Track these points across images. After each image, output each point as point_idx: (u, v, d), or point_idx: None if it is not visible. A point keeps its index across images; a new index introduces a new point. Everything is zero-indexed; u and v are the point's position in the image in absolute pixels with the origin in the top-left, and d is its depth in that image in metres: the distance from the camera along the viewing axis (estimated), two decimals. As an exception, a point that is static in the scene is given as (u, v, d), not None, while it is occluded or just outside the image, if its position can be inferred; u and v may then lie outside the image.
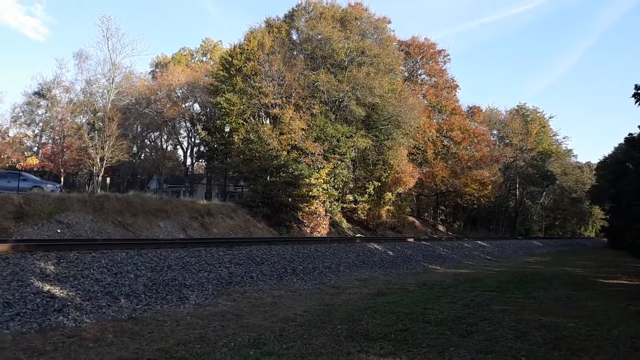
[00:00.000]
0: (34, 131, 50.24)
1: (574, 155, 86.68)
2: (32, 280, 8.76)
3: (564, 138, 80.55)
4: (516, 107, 72.06)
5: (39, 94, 47.61)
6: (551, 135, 74.81)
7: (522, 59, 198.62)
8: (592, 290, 14.75)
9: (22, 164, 37.38)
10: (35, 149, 47.24)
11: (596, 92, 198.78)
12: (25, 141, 47.79)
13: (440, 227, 55.70)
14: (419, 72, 53.02)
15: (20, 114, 49.58)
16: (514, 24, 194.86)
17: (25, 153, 42.30)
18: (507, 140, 65.78)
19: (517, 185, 69.63)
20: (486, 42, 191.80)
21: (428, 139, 47.13)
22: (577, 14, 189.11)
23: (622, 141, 48.10)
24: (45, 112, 47.91)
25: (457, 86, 54.89)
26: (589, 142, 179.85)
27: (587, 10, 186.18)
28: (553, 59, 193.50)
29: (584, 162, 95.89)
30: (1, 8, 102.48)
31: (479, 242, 37.08)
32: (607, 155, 67.48)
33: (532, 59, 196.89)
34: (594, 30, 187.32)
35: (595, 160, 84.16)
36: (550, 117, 74.39)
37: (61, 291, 8.76)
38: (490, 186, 51.73)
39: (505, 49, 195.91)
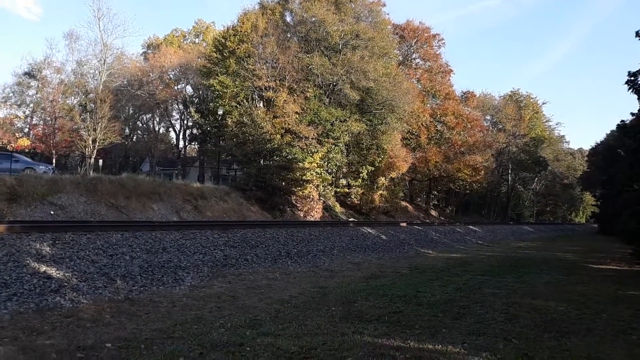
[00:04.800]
0: (24, 112, 49.84)
1: (566, 142, 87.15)
2: (28, 261, 8.78)
3: (556, 124, 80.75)
4: (510, 93, 72.06)
5: (29, 74, 47.06)
6: (544, 121, 74.99)
7: (519, 44, 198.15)
8: (581, 275, 15.00)
9: (13, 145, 37.14)
10: (26, 130, 46.84)
11: (589, 78, 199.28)
12: (16, 122, 47.38)
13: (433, 212, 56.05)
14: (413, 57, 52.85)
15: (11, 94, 49.07)
16: (511, 10, 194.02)
17: (16, 134, 41.98)
18: (500, 126, 65.95)
19: (510, 171, 70.01)
20: (482, 28, 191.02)
21: (422, 124, 47.13)
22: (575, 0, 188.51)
23: (614, 128, 48.46)
24: (36, 93, 47.43)
25: (451, 71, 54.83)
26: (581, 129, 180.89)
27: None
28: (549, 45, 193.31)
29: (576, 149, 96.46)
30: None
31: (471, 227, 37.38)
32: (599, 142, 67.98)
33: (529, 45, 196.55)
34: (590, 17, 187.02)
35: (587, 146, 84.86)
36: (544, 103, 74.66)
37: (57, 272, 8.80)
38: (482, 172, 52.01)
39: (502, 34, 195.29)
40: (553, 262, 19.29)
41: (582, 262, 20.24)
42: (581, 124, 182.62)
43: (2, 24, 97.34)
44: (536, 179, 76.99)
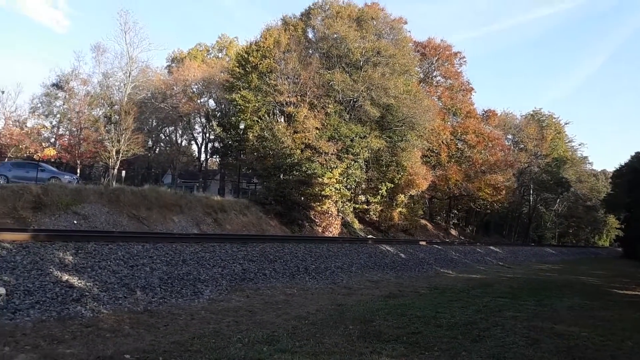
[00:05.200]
0: (51, 122, 50.97)
1: (589, 163, 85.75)
2: (51, 270, 8.93)
3: (579, 145, 79.58)
4: (531, 112, 71.36)
5: (57, 85, 48.21)
6: (567, 141, 74.00)
7: (542, 64, 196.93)
8: (606, 300, 14.64)
9: (39, 154, 37.92)
10: (53, 140, 47.86)
11: (614, 100, 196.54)
12: (43, 132, 48.48)
13: (453, 231, 55.46)
14: (434, 74, 52.83)
15: (39, 105, 50.30)
16: (535, 29, 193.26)
17: (43, 144, 42.90)
18: (522, 146, 65.16)
19: (531, 191, 69.03)
20: (505, 47, 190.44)
21: (442, 142, 46.92)
22: (601, 20, 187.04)
23: (639, 149, 47.62)
24: (63, 104, 48.53)
25: (472, 89, 54.65)
26: (605, 150, 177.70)
27: (611, 17, 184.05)
28: (573, 65, 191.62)
29: (599, 170, 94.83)
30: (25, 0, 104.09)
31: (491, 247, 36.87)
32: (623, 164, 66.59)
33: (552, 65, 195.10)
34: (616, 37, 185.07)
35: (611, 168, 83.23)
36: (566, 124, 73.62)
37: (79, 281, 8.92)
38: (503, 191, 51.42)
39: (524, 54, 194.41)
40: (576, 286, 18.87)
41: (606, 286, 19.77)
42: (605, 145, 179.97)
43: (32, 36, 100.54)
44: (558, 200, 75.77)
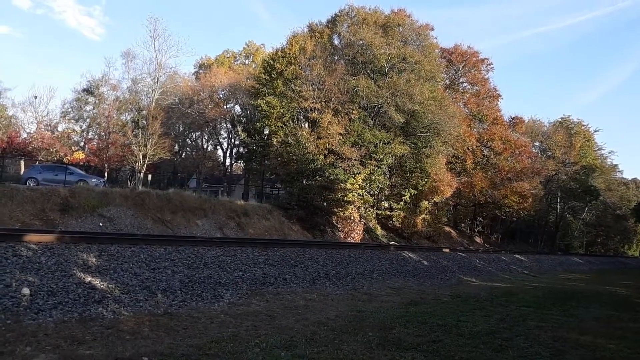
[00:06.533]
0: (81, 127, 52.15)
1: (619, 171, 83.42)
2: (75, 271, 9.07)
3: (609, 153, 77.26)
4: (560, 120, 70.08)
5: (87, 90, 49.32)
6: (596, 149, 72.29)
7: (572, 71, 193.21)
8: (634, 312, 14.19)
9: (69, 158, 38.75)
10: (82, 144, 48.90)
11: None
12: (73, 136, 49.54)
13: (477, 239, 54.70)
14: (460, 80, 52.33)
15: (69, 109, 51.53)
16: (565, 36, 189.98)
17: (73, 147, 43.83)
18: (550, 153, 63.94)
19: (559, 199, 67.62)
20: (533, 54, 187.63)
21: (468, 148, 46.37)
22: (633, 26, 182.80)
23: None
24: (93, 109, 49.61)
25: (499, 96, 53.91)
26: (636, 158, 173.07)
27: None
28: (603, 71, 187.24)
29: (630, 179, 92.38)
30: (62, 8, 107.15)
31: (516, 255, 36.20)
32: (655, 172, 64.86)
33: (582, 72, 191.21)
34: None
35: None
36: (596, 131, 71.85)
37: (101, 283, 9.05)
38: (530, 199, 50.46)
39: (553, 61, 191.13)
40: (603, 297, 18.35)
41: (635, 297, 19.19)
42: (636, 153, 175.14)
43: (68, 43, 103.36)
44: (586, 208, 73.99)
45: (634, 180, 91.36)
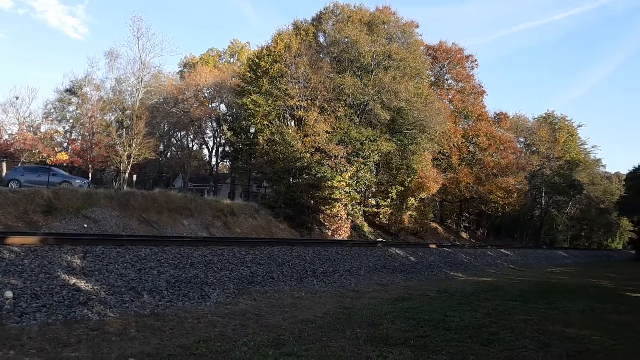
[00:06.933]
0: (64, 127, 51.49)
1: (602, 165, 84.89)
2: (59, 273, 8.96)
3: (592, 147, 78.47)
4: (544, 115, 70.88)
5: (70, 91, 48.75)
6: (579, 144, 73.37)
7: (557, 67, 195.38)
8: (618, 303, 14.39)
9: (52, 159, 38.24)
10: (65, 144, 48.29)
11: (628, 102, 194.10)
12: (56, 137, 48.82)
13: (463, 234, 55.11)
14: (445, 77, 52.72)
15: (52, 110, 50.90)
16: (550, 32, 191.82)
17: (56, 148, 43.22)
18: (534, 148, 64.69)
19: (543, 194, 68.42)
20: (518, 51, 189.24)
21: (453, 145, 46.71)
22: (616, 23, 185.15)
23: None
24: (76, 109, 49.04)
25: (484, 92, 54.44)
26: (618, 152, 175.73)
27: (627, 19, 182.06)
28: (587, 67, 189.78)
29: (612, 173, 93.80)
30: (44, 8, 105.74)
31: (502, 250, 36.53)
32: (637, 166, 65.96)
33: (567, 67, 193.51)
34: (630, 40, 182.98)
35: (624, 170, 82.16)
36: (579, 126, 72.96)
37: (86, 285, 8.95)
38: (515, 194, 50.99)
39: (538, 57, 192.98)
40: (588, 289, 18.59)
41: (619, 289, 19.46)
42: (618, 148, 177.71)
43: (50, 43, 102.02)
44: (570, 202, 74.97)
45: (617, 174, 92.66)
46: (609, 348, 7.86)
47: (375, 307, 10.83)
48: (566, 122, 70.74)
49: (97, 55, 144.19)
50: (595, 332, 9.14)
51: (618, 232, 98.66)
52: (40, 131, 45.92)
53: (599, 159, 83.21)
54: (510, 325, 9.33)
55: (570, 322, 10.22)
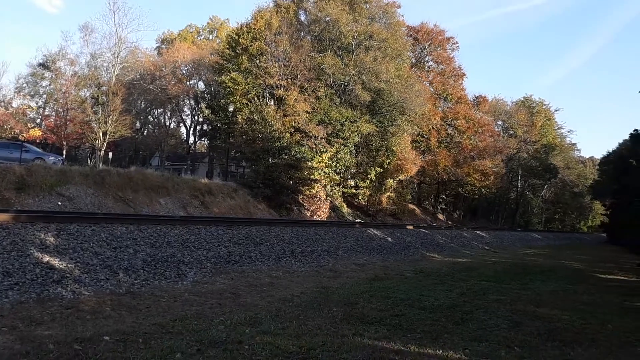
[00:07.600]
0: (37, 103, 50.21)
1: (577, 150, 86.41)
2: (32, 251, 8.80)
3: (568, 132, 79.80)
4: (522, 99, 71.64)
5: (43, 65, 47.41)
6: (556, 128, 74.46)
7: (535, 51, 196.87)
8: (588, 284, 14.81)
9: (24, 135, 37.37)
10: (38, 120, 47.17)
11: (603, 88, 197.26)
12: (29, 112, 47.68)
13: (440, 216, 55.81)
14: (426, 59, 52.73)
15: (24, 85, 49.57)
16: (530, 16, 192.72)
17: (28, 124, 42.21)
18: (512, 132, 65.40)
19: (519, 177, 69.54)
20: (499, 34, 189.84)
21: (432, 127, 46.97)
22: (595, 9, 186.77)
23: (627, 137, 48.00)
24: (49, 84, 47.78)
25: (464, 75, 54.63)
26: (593, 137, 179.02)
27: (605, 6, 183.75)
28: (564, 53, 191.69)
29: (587, 157, 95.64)
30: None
31: (478, 232, 37.13)
32: (610, 151, 67.31)
33: (545, 52, 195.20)
34: (608, 28, 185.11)
35: (598, 155, 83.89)
36: (556, 110, 74.14)
37: (60, 263, 8.81)
38: (492, 177, 51.71)
39: (518, 41, 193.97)
40: (560, 271, 19.08)
41: (589, 271, 20.02)
42: (593, 133, 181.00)
43: (23, 16, 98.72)
44: (546, 186, 76.42)
45: (591, 158, 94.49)
46: (579, 327, 8.08)
47: (352, 286, 10.93)
48: (544, 107, 71.65)
49: (72, 30, 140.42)
50: (565, 312, 9.39)
51: (591, 215, 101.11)
52: (12, 106, 44.79)
53: (575, 144, 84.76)
54: (484, 305, 9.52)
55: (542, 302, 10.48)
